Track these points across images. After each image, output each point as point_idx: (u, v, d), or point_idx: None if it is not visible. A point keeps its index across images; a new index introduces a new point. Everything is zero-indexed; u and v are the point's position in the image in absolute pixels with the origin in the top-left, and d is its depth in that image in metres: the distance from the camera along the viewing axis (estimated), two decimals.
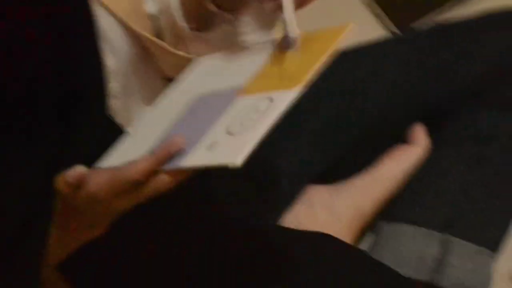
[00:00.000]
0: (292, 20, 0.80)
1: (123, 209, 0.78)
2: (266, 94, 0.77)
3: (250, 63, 0.84)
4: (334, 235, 1.07)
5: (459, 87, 1.17)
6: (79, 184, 0.76)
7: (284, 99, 0.74)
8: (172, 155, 0.75)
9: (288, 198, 1.13)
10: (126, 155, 0.80)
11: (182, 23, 0.87)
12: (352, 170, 1.17)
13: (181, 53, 0.90)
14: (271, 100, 0.75)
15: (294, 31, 0.80)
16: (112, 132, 0.87)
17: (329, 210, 1.12)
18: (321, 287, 0.99)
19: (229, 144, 0.73)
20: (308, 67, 0.76)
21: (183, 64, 0.91)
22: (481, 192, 1.14)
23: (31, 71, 0.74)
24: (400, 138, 1.18)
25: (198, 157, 0.74)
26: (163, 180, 0.75)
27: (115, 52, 0.89)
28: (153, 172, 0.75)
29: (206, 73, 0.88)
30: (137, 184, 0.75)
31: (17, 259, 0.77)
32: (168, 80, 0.97)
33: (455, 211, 1.13)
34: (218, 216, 1.02)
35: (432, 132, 1.18)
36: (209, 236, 0.98)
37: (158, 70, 0.93)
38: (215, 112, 0.79)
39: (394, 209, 1.16)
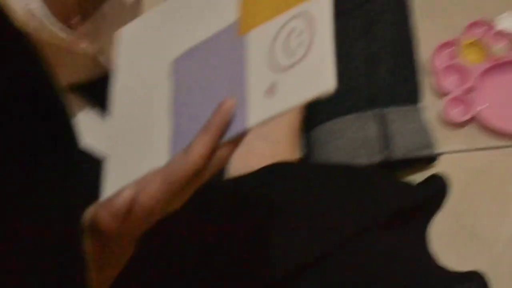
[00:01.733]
0: None
1: (179, 205, 0.68)
2: (286, 15, 0.64)
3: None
4: (280, 159, 1.04)
5: None
6: (130, 208, 0.64)
7: (317, 6, 0.62)
8: (229, 124, 0.65)
9: None
10: (140, 165, 0.67)
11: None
12: None
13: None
14: (302, 15, 0.63)
15: None
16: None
17: (266, 139, 1.07)
18: (296, 214, 0.96)
19: (297, 77, 0.62)
20: None
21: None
22: (383, 55, 1.13)
23: None
24: None
25: (265, 108, 0.63)
26: (223, 155, 0.65)
27: None
28: (213, 151, 0.65)
29: (155, 38, 0.73)
30: (197, 173, 0.65)
31: None
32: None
33: (370, 84, 1.12)
34: None
35: None
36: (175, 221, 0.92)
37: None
38: (227, 61, 0.67)
39: (316, 114, 1.13)
